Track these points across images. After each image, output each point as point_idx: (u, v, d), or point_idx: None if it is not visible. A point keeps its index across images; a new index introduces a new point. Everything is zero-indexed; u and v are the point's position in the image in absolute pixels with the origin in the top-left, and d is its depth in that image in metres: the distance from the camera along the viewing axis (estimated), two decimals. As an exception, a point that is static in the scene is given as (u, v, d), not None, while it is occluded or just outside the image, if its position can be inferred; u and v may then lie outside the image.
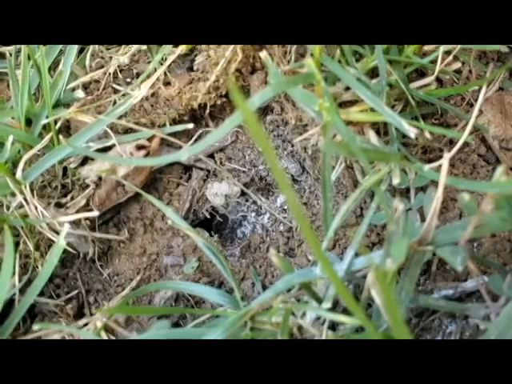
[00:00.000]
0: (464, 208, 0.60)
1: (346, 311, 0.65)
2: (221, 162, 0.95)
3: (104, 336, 0.69)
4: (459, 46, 0.81)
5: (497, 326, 0.56)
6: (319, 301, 0.65)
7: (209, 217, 0.97)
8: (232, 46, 0.77)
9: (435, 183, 0.67)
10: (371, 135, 0.75)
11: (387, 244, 0.59)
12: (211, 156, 0.96)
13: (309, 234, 0.45)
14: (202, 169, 0.96)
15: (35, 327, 0.62)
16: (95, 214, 0.77)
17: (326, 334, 0.64)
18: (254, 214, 0.97)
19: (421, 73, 0.88)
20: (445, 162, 0.59)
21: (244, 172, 0.95)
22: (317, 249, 0.46)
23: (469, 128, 0.67)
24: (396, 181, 0.68)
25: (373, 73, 0.79)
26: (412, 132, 0.63)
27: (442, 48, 0.75)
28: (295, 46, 0.79)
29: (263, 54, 0.73)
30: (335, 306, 0.68)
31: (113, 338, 0.71)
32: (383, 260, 0.60)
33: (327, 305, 0.63)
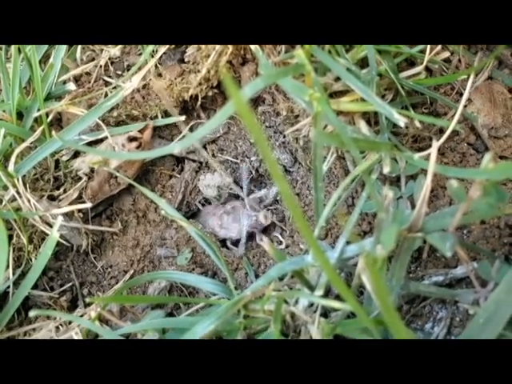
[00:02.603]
0: (453, 195, 0.60)
1: (337, 298, 0.66)
2: (213, 154, 0.96)
3: (98, 326, 0.70)
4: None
5: (485, 310, 0.57)
6: (311, 288, 0.66)
7: (202, 208, 0.98)
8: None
9: (425, 171, 0.68)
10: (362, 125, 0.76)
11: (377, 231, 0.60)
12: (203, 147, 0.96)
13: (301, 222, 0.46)
14: (194, 160, 0.96)
15: (31, 314, 0.62)
16: (88, 205, 0.78)
17: (318, 321, 0.65)
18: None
19: (410, 62, 0.89)
20: (433, 150, 0.60)
21: (236, 163, 0.95)
22: (309, 236, 0.47)
23: (457, 117, 0.68)
24: (386, 170, 0.69)
25: (363, 62, 0.80)
26: (402, 121, 0.64)
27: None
28: (285, 37, 0.79)
29: (254, 46, 0.73)
30: (327, 294, 0.69)
31: (107, 328, 0.72)
32: (373, 247, 0.61)
33: (319, 292, 0.64)
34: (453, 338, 0.72)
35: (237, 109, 0.37)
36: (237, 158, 0.96)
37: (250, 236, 0.94)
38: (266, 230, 0.95)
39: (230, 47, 0.79)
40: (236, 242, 0.93)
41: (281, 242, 0.91)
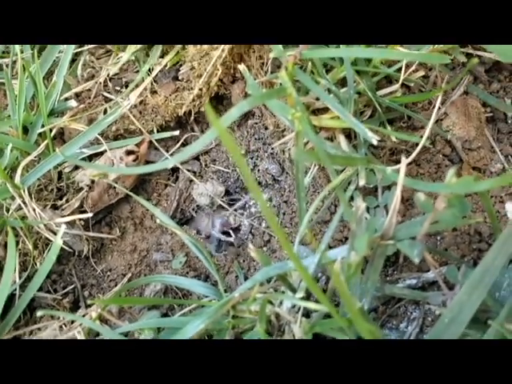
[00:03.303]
0: (420, 207, 0.66)
1: (318, 300, 0.72)
2: (206, 164, 1.02)
3: (99, 325, 0.76)
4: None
5: (450, 311, 0.63)
6: (294, 291, 0.72)
7: (195, 215, 1.04)
8: (213, 61, 0.84)
9: (398, 183, 0.74)
10: (341, 139, 0.82)
11: (351, 239, 0.66)
12: (197, 158, 1.03)
13: (279, 233, 0.51)
14: (188, 170, 1.02)
15: (39, 314, 0.68)
16: (89, 215, 0.84)
17: (300, 320, 0.71)
18: (238, 213, 1.04)
19: (390, 80, 0.95)
20: (403, 166, 0.66)
21: (228, 173, 1.02)
22: (287, 247, 0.53)
23: (426, 135, 0.74)
24: (362, 182, 0.76)
25: (343, 81, 0.86)
26: (374, 139, 0.69)
27: (405, 60, 0.82)
28: (271, 59, 0.85)
29: (242, 67, 0.79)
30: (309, 296, 0.75)
31: (107, 327, 0.78)
32: (348, 253, 0.67)
33: (301, 294, 0.70)
34: (425, 336, 0.78)
35: (218, 134, 0.44)
36: (228, 168, 1.02)
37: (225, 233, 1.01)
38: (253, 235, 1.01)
39: (220, 69, 0.85)
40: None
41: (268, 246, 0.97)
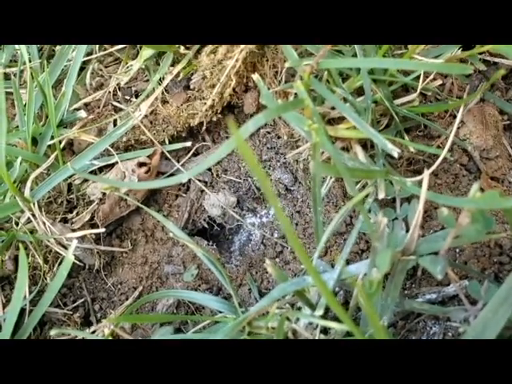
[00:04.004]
0: (443, 221, 0.65)
1: (337, 317, 0.70)
2: (217, 174, 1.00)
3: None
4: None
5: (473, 329, 0.61)
6: (312, 307, 0.70)
7: (206, 226, 1.02)
8: (227, 71, 0.82)
9: (418, 196, 0.72)
10: (358, 151, 0.80)
11: (372, 255, 0.64)
12: (208, 168, 1.01)
13: (298, 249, 0.50)
14: (199, 181, 1.01)
15: (52, 333, 0.66)
16: (101, 230, 0.82)
17: (318, 338, 0.69)
18: (249, 222, 1.02)
19: (406, 88, 0.93)
20: (425, 179, 0.64)
21: (239, 183, 1.00)
22: (307, 263, 0.51)
23: (448, 146, 0.72)
24: (381, 195, 0.74)
25: (359, 90, 0.84)
26: (395, 151, 0.68)
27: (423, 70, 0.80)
28: (285, 68, 0.83)
29: (255, 76, 0.77)
30: (327, 312, 0.73)
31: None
32: (370, 270, 0.65)
33: (320, 311, 0.68)
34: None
35: (238, 146, 0.42)
36: (240, 178, 1.00)
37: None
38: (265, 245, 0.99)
39: (234, 79, 0.83)
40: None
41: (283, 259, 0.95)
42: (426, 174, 0.67)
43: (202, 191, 1.00)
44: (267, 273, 0.94)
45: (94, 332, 0.84)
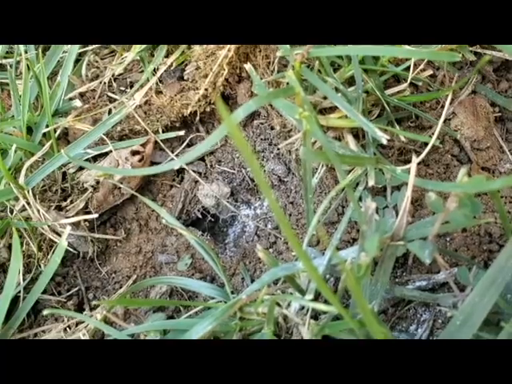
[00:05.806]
0: (431, 206, 0.65)
1: (326, 301, 0.71)
2: (211, 165, 1.01)
3: (106, 326, 0.75)
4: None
5: (462, 313, 0.62)
6: (302, 292, 0.71)
7: (200, 216, 1.03)
8: (219, 61, 0.83)
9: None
10: (349, 139, 0.81)
11: (361, 240, 0.65)
12: (202, 159, 1.02)
13: (289, 234, 0.50)
14: (193, 171, 1.01)
15: (45, 312, 0.67)
16: (94, 216, 0.83)
17: (308, 322, 0.70)
18: (243, 214, 1.03)
19: (398, 79, 0.94)
20: (413, 165, 0.65)
21: (233, 174, 1.01)
22: (297, 248, 0.52)
23: (436, 134, 0.73)
24: (371, 182, 0.74)
25: (351, 80, 0.85)
26: (384, 138, 0.68)
27: (413, 59, 0.81)
28: (278, 58, 0.84)
29: (248, 66, 0.78)
30: (317, 297, 0.74)
31: (112, 329, 0.76)
32: (358, 254, 0.66)
33: (310, 296, 0.69)
34: (435, 338, 0.77)
35: (229, 132, 0.43)
36: (234, 169, 1.01)
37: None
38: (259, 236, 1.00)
39: (226, 69, 0.84)
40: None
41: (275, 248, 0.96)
42: (415, 160, 0.68)
43: (196, 182, 1.01)
44: (260, 263, 0.95)
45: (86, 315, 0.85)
